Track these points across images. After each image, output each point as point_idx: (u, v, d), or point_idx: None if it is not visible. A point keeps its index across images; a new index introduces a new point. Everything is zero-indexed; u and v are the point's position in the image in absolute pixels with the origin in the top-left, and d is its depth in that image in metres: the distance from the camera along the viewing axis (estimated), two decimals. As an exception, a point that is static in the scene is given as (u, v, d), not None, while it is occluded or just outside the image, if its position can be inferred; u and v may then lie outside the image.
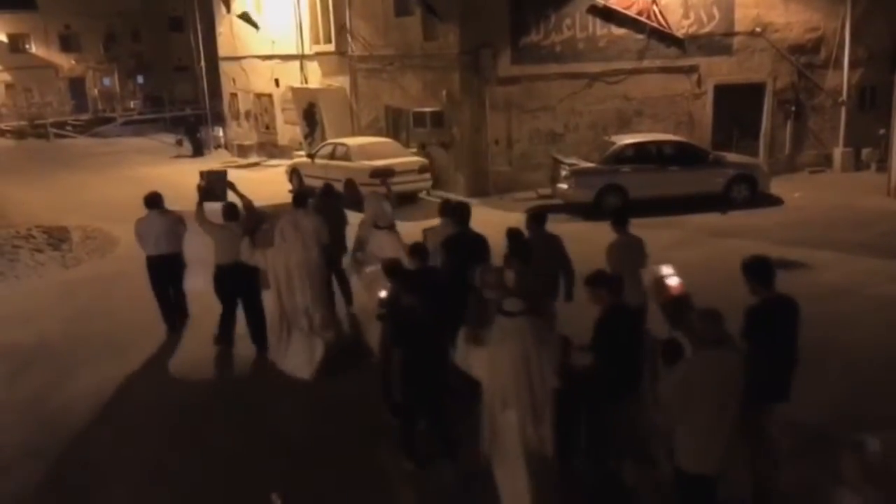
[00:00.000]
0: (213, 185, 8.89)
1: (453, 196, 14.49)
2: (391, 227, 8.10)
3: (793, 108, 18.31)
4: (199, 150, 28.02)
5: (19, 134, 36.63)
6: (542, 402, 4.62)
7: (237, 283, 8.28)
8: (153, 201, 9.10)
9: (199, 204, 8.63)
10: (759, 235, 12.69)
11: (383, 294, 6.53)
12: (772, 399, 5.07)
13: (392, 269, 6.31)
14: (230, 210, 8.56)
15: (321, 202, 9.43)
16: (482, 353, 4.72)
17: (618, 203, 14.41)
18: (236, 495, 5.88)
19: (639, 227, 13.25)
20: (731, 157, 15.82)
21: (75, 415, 7.34)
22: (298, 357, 7.76)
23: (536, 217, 7.41)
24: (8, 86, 42.29)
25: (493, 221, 14.45)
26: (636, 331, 5.38)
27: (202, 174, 9.31)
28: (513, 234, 7.00)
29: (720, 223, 13.94)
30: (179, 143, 29.08)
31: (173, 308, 9.35)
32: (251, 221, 8.58)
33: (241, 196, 8.89)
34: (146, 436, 6.90)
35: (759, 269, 5.04)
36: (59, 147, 32.60)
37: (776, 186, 15.83)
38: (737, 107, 18.03)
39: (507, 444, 4.64)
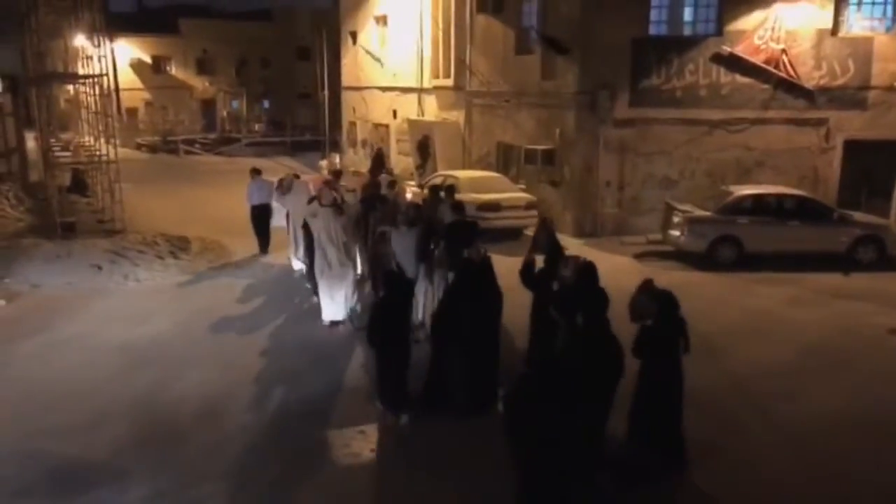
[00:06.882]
0: None
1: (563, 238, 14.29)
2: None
3: (930, 169, 17.15)
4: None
5: (153, 148, 39.19)
6: (339, 243, 10.10)
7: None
8: (256, 172, 14.58)
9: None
10: (885, 300, 11.87)
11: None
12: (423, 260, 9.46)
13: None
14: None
15: None
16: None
17: (732, 256, 13.94)
18: None
19: (754, 281, 13.04)
20: (858, 216, 14.93)
21: (181, 411, 7.68)
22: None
23: (448, 189, 11.31)
24: (147, 103, 45.53)
25: (598, 264, 14.22)
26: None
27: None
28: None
29: (842, 284, 13.13)
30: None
31: (262, 240, 14.65)
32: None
33: None
34: (243, 438, 7.10)
35: (436, 188, 10.68)
36: (187, 163, 34.61)
37: (908, 251, 14.81)
38: (868, 164, 17.03)
39: (328, 260, 10.05)
